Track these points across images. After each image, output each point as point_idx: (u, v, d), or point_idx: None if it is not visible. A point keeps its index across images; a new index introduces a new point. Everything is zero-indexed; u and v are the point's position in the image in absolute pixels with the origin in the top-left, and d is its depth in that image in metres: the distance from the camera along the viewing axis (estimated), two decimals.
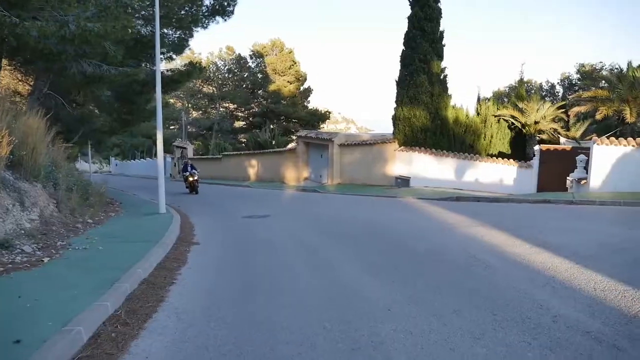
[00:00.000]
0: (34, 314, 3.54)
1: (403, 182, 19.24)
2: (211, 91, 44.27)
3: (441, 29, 19.50)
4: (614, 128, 20.73)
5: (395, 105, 19.80)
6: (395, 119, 19.77)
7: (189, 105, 46.13)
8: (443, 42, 19.48)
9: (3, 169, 6.76)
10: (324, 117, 43.28)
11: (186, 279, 5.13)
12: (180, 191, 19.76)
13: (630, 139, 14.16)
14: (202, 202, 15.01)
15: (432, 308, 4.02)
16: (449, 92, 19.67)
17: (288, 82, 40.94)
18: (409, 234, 7.90)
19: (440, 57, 19.28)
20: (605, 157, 13.89)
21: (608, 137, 14.69)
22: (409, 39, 19.26)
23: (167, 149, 46.89)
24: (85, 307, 3.66)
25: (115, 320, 3.67)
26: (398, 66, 19.83)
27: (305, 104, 44.22)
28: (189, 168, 19.23)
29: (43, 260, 5.30)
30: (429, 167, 18.90)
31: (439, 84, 19.19)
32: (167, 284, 4.86)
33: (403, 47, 19.47)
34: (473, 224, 8.57)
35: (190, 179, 18.75)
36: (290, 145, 30.46)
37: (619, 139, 14.37)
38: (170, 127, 50.23)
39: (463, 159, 18.63)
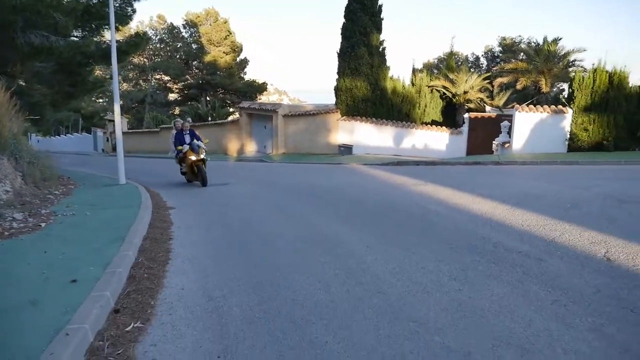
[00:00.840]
0: (71, 262, 4.06)
1: (346, 150, 20.29)
2: (142, 62, 42.65)
3: (380, 2, 20.37)
4: (531, 97, 22.88)
5: (337, 77, 20.61)
6: (337, 89, 20.60)
7: (118, 77, 44.20)
8: (381, 16, 20.41)
9: None
10: (261, 88, 43.21)
11: (181, 235, 5.73)
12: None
13: (545, 106, 16.00)
14: (155, 174, 15.08)
15: (400, 244, 4.97)
16: (387, 63, 20.75)
17: (224, 52, 40.30)
18: (363, 193, 8.85)
19: (379, 30, 20.21)
20: (525, 123, 15.64)
21: (527, 105, 16.47)
22: (349, 12, 19.97)
23: (96, 123, 44.88)
24: (113, 256, 4.23)
25: (140, 266, 4.27)
26: (331, 39, 20.61)
27: (242, 75, 43.87)
28: (188, 138, 10.89)
29: (40, 225, 5.66)
30: (370, 136, 20.05)
31: (378, 56, 20.19)
32: (167, 239, 5.45)
33: (344, 20, 20.17)
34: (418, 183, 9.67)
35: (192, 157, 10.36)
36: (232, 117, 30.41)
37: (536, 106, 16.18)
38: (99, 101, 47.92)
39: (401, 127, 19.93)
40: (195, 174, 10.67)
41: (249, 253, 4.87)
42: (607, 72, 14.89)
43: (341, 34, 20.34)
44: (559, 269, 4.00)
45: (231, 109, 40.37)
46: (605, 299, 3.34)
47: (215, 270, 4.30)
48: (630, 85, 14.85)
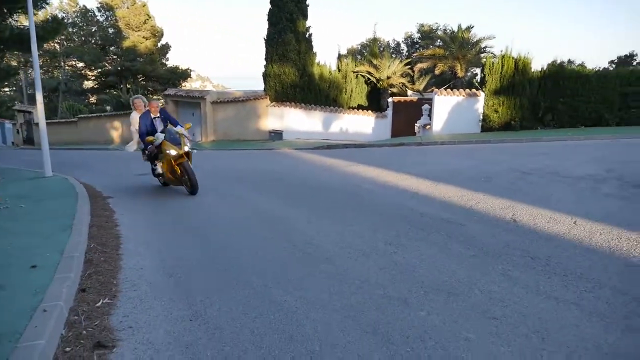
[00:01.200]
0: (24, 251, 4.11)
1: (276, 135, 20.56)
2: (53, 48, 39.69)
3: None
4: (448, 81, 24.44)
5: (265, 63, 20.73)
6: (265, 75, 20.74)
7: (27, 63, 40.92)
8: (307, 2, 20.74)
9: None
10: (185, 74, 41.95)
11: (126, 222, 5.81)
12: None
13: (461, 90, 17.27)
14: (79, 165, 14.45)
15: (339, 218, 5.46)
16: (314, 50, 21.17)
17: (144, 38, 38.55)
18: (299, 175, 9.26)
19: (305, 16, 20.53)
20: (444, 106, 16.81)
21: (445, 89, 17.67)
22: None
23: (2, 114, 41.40)
24: (65, 243, 4.31)
25: (94, 251, 4.39)
26: (256, 25, 20.61)
27: (164, 61, 42.31)
28: (159, 123, 7.79)
29: None
30: (299, 121, 20.46)
31: (305, 42, 20.54)
32: (113, 226, 5.53)
33: (270, 6, 20.25)
34: (349, 165, 10.25)
35: (172, 152, 7.15)
36: None
37: (453, 90, 17.41)
38: (4, 90, 44.19)
39: (329, 112, 20.54)
40: (177, 177, 7.45)
41: (199, 235, 5.12)
42: (513, 58, 16.34)
43: (267, 20, 20.43)
44: (476, 230, 4.67)
45: (155, 97, 38.91)
46: (512, 251, 4.02)
47: (169, 251, 4.53)
48: (532, 70, 16.42)
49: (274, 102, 20.81)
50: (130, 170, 11.76)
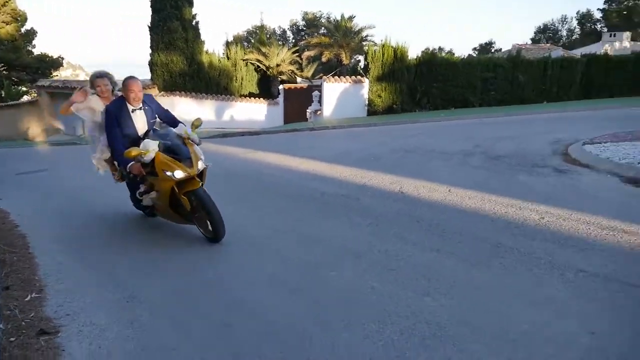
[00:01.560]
0: None
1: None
2: None
3: None
4: (335, 68, 25.62)
5: (150, 51, 19.93)
6: (152, 64, 19.97)
7: None
8: None
9: None
10: (56, 63, 38.18)
11: (26, 222, 5.55)
12: None
13: (347, 77, 18.33)
14: None
15: (246, 202, 5.85)
16: (202, 37, 20.87)
17: (3, 22, 34.32)
18: None
19: (190, 3, 20.05)
20: (332, 92, 17.75)
21: (332, 76, 18.63)
22: None
23: None
24: None
25: (3, 252, 4.27)
26: (136, 10, 19.66)
27: (30, 48, 38.14)
28: (142, 119, 4.51)
29: None
30: (191, 110, 20.03)
31: (193, 30, 20.12)
32: (13, 227, 5.30)
33: None
34: (247, 152, 10.56)
35: (179, 174, 4.03)
36: (26, 97, 26.61)
37: (340, 77, 18.42)
38: None
39: (221, 100, 20.49)
40: (181, 213, 4.42)
41: (110, 226, 5.19)
42: (392, 47, 17.72)
43: (151, 6, 19.61)
44: (370, 203, 5.37)
45: (24, 88, 35.07)
46: (402, 217, 4.77)
47: (84, 245, 4.53)
48: (409, 58, 17.98)
49: (162, 92, 20.17)
50: (8, 170, 10.85)
